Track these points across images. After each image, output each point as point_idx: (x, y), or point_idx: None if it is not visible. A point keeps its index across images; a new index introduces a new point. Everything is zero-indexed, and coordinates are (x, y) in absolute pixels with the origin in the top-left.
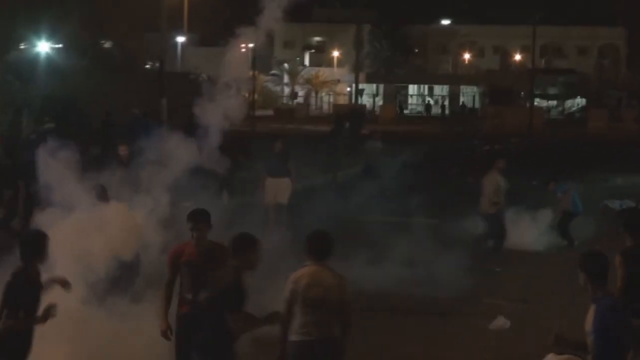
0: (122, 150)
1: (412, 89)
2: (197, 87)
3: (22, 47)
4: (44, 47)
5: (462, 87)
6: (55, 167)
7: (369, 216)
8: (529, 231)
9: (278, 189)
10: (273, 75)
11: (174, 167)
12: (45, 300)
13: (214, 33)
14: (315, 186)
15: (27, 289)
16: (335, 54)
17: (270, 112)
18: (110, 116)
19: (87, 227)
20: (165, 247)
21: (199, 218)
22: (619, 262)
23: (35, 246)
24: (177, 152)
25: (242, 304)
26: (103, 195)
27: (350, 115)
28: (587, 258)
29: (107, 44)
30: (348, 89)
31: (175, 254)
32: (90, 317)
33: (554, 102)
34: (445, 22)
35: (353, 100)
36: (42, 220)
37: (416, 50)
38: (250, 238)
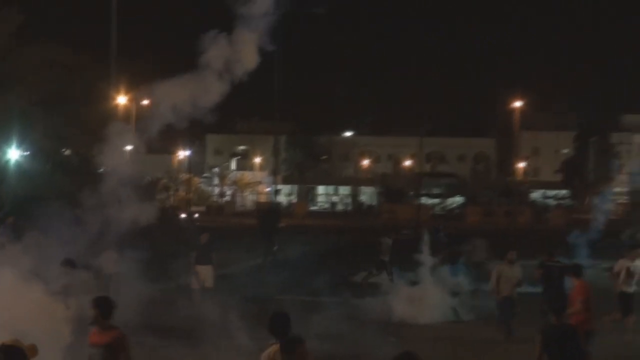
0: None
1: (321, 189)
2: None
3: None
4: (14, 154)
5: (362, 187)
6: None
7: (285, 295)
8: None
9: (205, 275)
10: (205, 177)
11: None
12: None
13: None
14: (240, 271)
15: None
16: (257, 159)
17: (202, 209)
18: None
19: None
20: None
21: None
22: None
23: None
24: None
25: None
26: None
27: (270, 211)
28: None
29: (67, 152)
30: (268, 189)
31: None
32: None
33: (437, 200)
34: (348, 133)
35: (272, 199)
36: None
37: (324, 157)
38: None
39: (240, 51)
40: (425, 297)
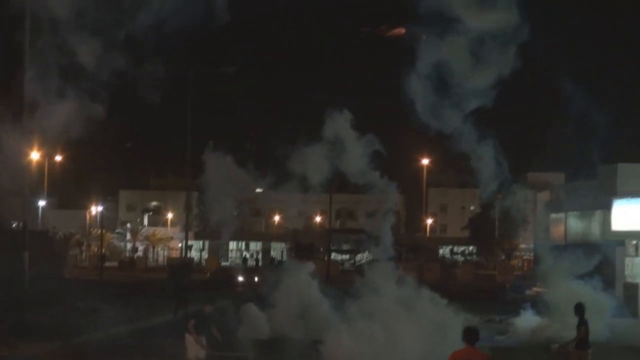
0: None
1: (232, 244)
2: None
3: None
4: None
5: (272, 243)
6: None
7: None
8: None
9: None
10: (118, 233)
11: None
12: None
13: (69, 197)
14: (152, 326)
15: None
16: (170, 215)
17: (115, 264)
18: None
19: None
20: None
21: None
22: None
23: None
24: None
25: None
26: None
27: (181, 266)
28: None
29: None
30: (179, 244)
31: None
32: None
33: (347, 256)
34: (259, 190)
35: (183, 254)
36: None
37: (235, 213)
38: None
39: None
40: None
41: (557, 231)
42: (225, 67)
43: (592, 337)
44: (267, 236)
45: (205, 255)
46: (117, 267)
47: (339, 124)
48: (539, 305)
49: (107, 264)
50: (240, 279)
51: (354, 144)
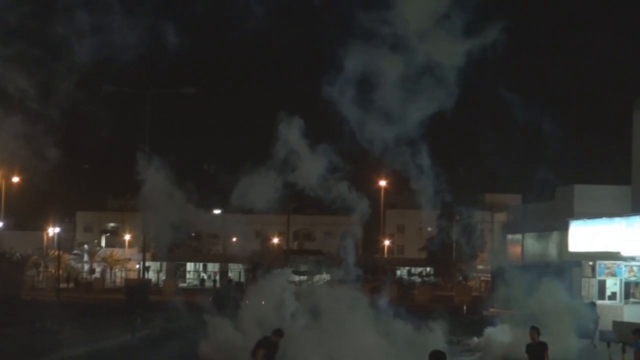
0: None
1: (190, 265)
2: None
3: None
4: None
5: (230, 264)
6: None
7: None
8: None
9: None
10: (75, 254)
11: None
12: None
13: (27, 218)
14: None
15: None
16: (127, 237)
17: (72, 285)
18: None
19: None
20: None
21: None
22: None
23: None
24: None
25: None
26: None
27: (138, 287)
28: None
29: None
30: (137, 266)
31: None
32: None
33: (305, 277)
34: (217, 211)
35: (141, 275)
36: None
37: (193, 234)
38: None
39: None
40: None
41: (514, 252)
42: (184, 89)
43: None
44: (225, 257)
45: (162, 276)
46: (74, 288)
47: (293, 137)
48: (497, 325)
49: (63, 285)
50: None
51: (312, 158)
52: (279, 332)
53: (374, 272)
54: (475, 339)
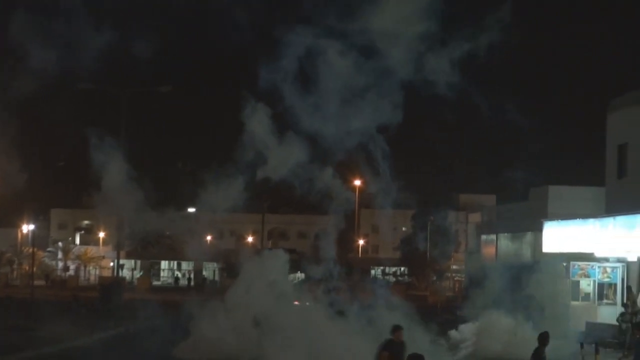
0: None
1: (164, 264)
2: None
3: None
4: None
5: (204, 263)
6: None
7: None
8: None
9: None
10: (49, 251)
11: None
12: None
13: (0, 215)
14: (84, 344)
15: None
16: (102, 234)
17: (46, 282)
18: None
19: None
20: None
21: None
22: None
23: None
24: None
25: None
26: None
27: (112, 285)
28: None
29: None
30: (111, 263)
31: None
32: None
33: None
34: (191, 210)
35: (115, 273)
36: None
37: (167, 233)
38: None
39: None
40: None
41: (489, 252)
42: (159, 87)
43: None
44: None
45: (137, 274)
46: (48, 286)
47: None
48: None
49: (37, 282)
50: None
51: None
52: (397, 328)
53: (348, 272)
54: (454, 332)
